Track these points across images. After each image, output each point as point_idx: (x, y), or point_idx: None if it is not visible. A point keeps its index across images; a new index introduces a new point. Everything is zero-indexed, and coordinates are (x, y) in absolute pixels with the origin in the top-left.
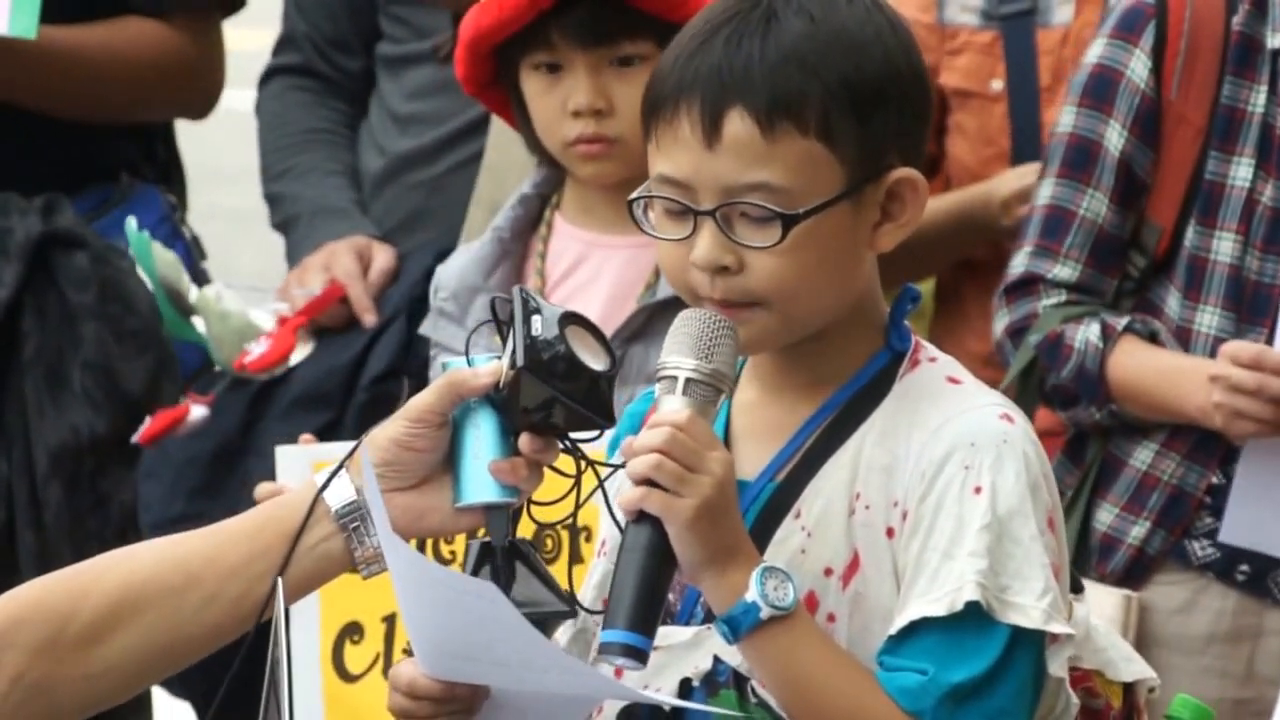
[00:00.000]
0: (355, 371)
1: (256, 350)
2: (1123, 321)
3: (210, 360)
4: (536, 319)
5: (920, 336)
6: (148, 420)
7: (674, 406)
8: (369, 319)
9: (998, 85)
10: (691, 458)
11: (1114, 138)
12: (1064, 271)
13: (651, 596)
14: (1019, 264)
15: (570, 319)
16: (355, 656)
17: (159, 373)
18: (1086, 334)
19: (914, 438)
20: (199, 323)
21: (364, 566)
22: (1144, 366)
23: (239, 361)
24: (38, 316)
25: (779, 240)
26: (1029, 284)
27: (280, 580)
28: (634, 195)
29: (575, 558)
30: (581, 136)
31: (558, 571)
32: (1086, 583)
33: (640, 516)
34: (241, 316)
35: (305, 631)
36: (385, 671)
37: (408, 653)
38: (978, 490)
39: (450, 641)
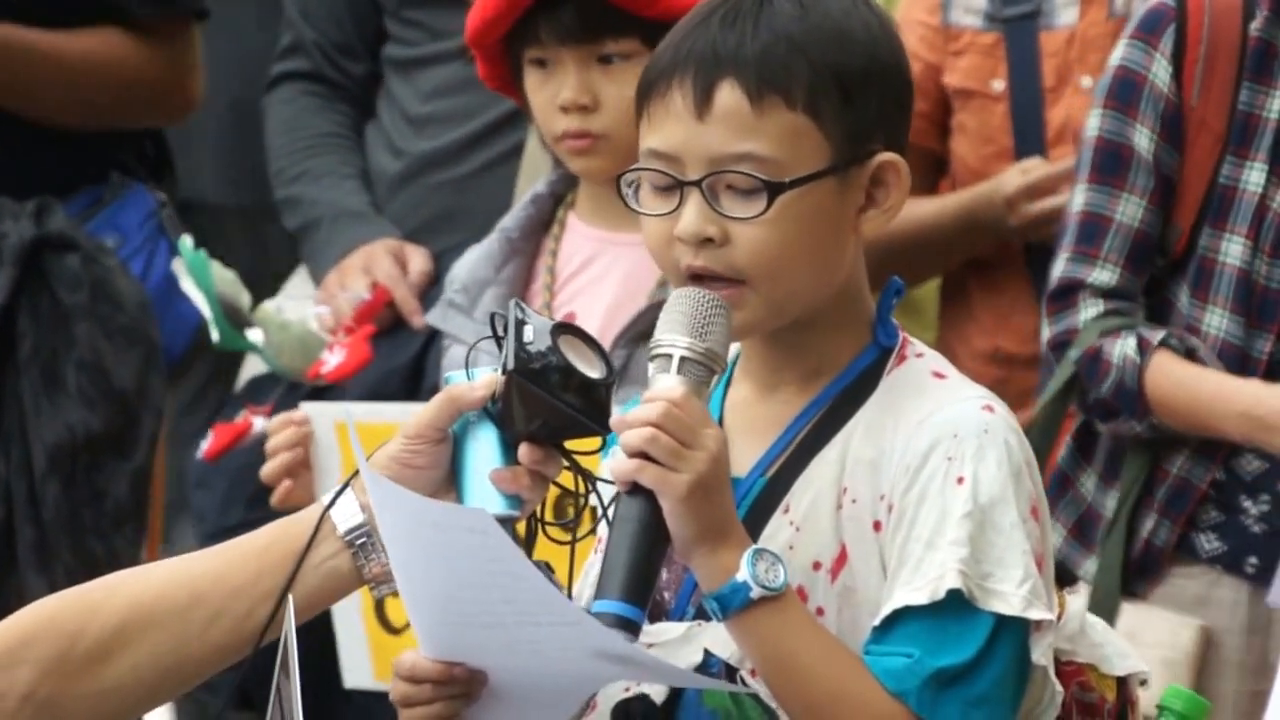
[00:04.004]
0: (415, 372)
1: (333, 360)
2: (1159, 335)
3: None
4: (528, 329)
5: (927, 336)
6: (210, 435)
7: (669, 383)
8: (418, 321)
9: (999, 85)
10: (686, 433)
11: (1143, 141)
12: (1104, 275)
13: (644, 569)
14: (1057, 271)
15: (563, 329)
16: (397, 610)
17: (147, 367)
18: (1124, 349)
19: (899, 432)
20: (254, 334)
21: (373, 585)
22: (1180, 386)
23: (315, 370)
24: (32, 318)
25: (764, 210)
26: (1070, 293)
27: (290, 597)
28: (624, 171)
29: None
30: (568, 132)
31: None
32: (1154, 611)
33: (634, 489)
34: (302, 325)
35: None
36: None
37: None
38: (960, 480)
39: (447, 605)
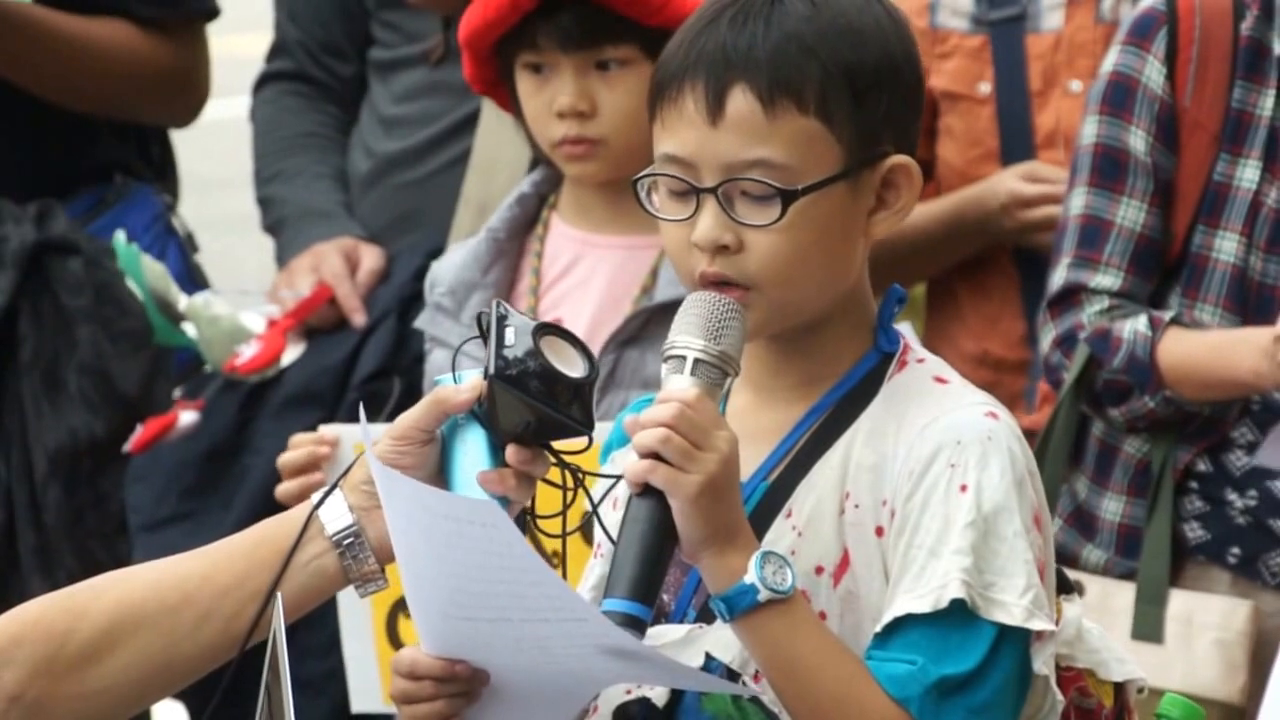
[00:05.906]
0: (347, 371)
1: (247, 353)
2: (1169, 315)
3: (198, 362)
4: (510, 331)
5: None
6: (138, 428)
7: (682, 385)
8: (358, 319)
9: (985, 88)
10: (699, 434)
11: (1139, 144)
12: (1106, 279)
13: (652, 568)
14: (1059, 277)
15: (545, 329)
16: (409, 629)
17: (153, 372)
18: (1135, 325)
19: (901, 437)
20: (189, 328)
21: (359, 584)
22: (1194, 345)
23: (230, 364)
24: (33, 321)
25: (778, 218)
26: (1071, 294)
27: (279, 595)
28: (638, 176)
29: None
30: (566, 138)
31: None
32: (1207, 596)
33: (645, 490)
34: (231, 319)
35: (357, 607)
36: None
37: None
38: (963, 488)
39: (452, 599)
